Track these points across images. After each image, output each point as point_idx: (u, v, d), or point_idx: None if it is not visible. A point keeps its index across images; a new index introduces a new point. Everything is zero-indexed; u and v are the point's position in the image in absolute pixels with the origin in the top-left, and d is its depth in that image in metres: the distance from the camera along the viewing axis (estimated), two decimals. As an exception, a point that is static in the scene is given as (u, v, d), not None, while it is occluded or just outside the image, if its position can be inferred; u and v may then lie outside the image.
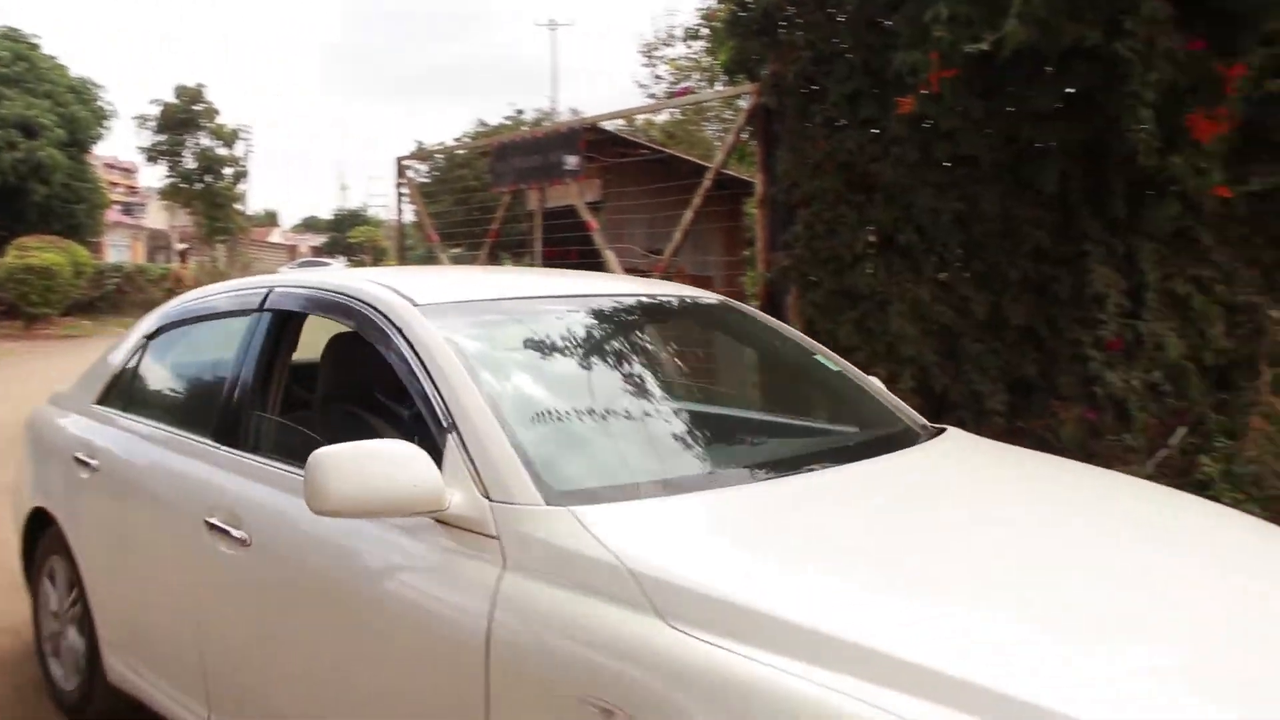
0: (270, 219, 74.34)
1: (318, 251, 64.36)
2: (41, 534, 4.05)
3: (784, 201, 6.09)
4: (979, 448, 3.05)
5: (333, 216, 75.79)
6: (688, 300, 3.48)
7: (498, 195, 9.75)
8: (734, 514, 2.25)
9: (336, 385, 3.28)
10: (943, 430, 3.04)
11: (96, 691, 3.69)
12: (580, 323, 3.03)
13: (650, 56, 21.33)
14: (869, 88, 5.58)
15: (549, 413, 2.53)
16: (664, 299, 3.44)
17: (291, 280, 3.22)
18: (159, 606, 3.25)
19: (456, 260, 10.77)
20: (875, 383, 3.33)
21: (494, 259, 10.29)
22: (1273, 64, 4.79)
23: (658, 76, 21.10)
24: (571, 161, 8.42)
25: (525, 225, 10.15)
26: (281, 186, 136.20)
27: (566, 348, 2.90)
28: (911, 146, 5.35)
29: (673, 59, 20.60)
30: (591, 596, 1.90)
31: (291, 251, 64.39)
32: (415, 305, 2.67)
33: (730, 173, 8.42)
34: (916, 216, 5.36)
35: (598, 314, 3.10)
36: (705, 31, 15.14)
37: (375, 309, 2.71)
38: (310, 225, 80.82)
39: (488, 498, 2.16)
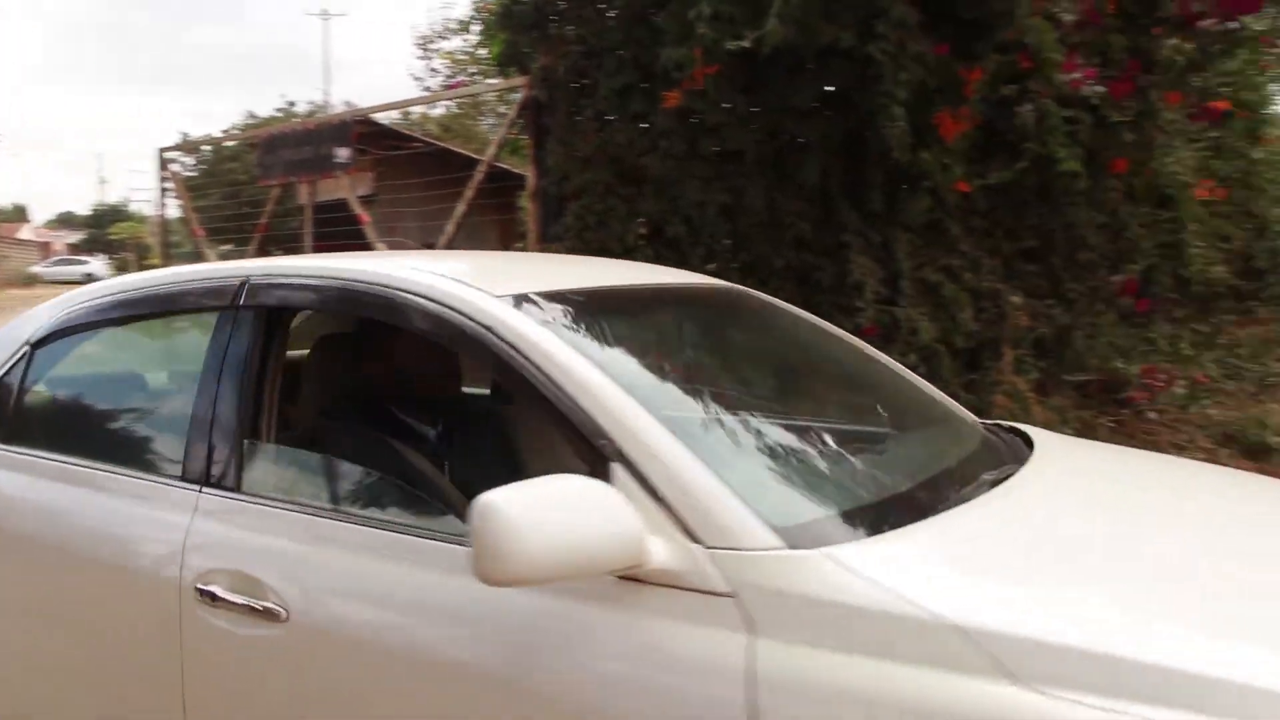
0: (19, 214, 69.47)
1: (74, 250, 60.53)
2: None
3: (555, 194, 6.12)
4: (1083, 447, 2.82)
5: (91, 212, 71.48)
6: (733, 293, 2.90)
7: (267, 189, 9.41)
8: (986, 542, 1.79)
9: (336, 400, 2.70)
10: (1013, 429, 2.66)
11: None
12: (675, 319, 2.60)
13: (426, 49, 21.02)
14: (638, 82, 5.67)
15: (710, 428, 2.04)
16: (705, 290, 2.90)
17: (277, 270, 2.53)
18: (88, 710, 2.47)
19: (224, 258, 10.35)
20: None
21: (265, 254, 9.94)
22: (1006, 70, 5.16)
23: (433, 69, 20.82)
24: (342, 154, 8.21)
25: (296, 220, 9.85)
26: (33, 180, 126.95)
27: (679, 348, 2.50)
28: (679, 140, 5.47)
29: (449, 52, 20.36)
30: (894, 662, 1.45)
31: (44, 249, 60.28)
32: (496, 298, 2.07)
33: (504, 166, 8.39)
34: (684, 209, 5.48)
35: (687, 309, 2.68)
36: (478, 24, 15.06)
37: (446, 304, 2.08)
38: (66, 221, 75.95)
39: (698, 543, 1.63)
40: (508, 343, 1.96)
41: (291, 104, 29.96)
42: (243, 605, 2.07)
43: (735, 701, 1.51)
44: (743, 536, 1.62)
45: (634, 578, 1.64)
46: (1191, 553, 1.84)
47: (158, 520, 2.32)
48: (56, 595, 2.54)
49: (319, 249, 8.86)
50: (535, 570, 1.57)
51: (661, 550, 1.63)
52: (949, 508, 1.86)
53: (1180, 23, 5.67)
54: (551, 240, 6.18)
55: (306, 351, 2.84)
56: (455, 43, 20.01)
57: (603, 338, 2.13)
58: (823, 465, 2.06)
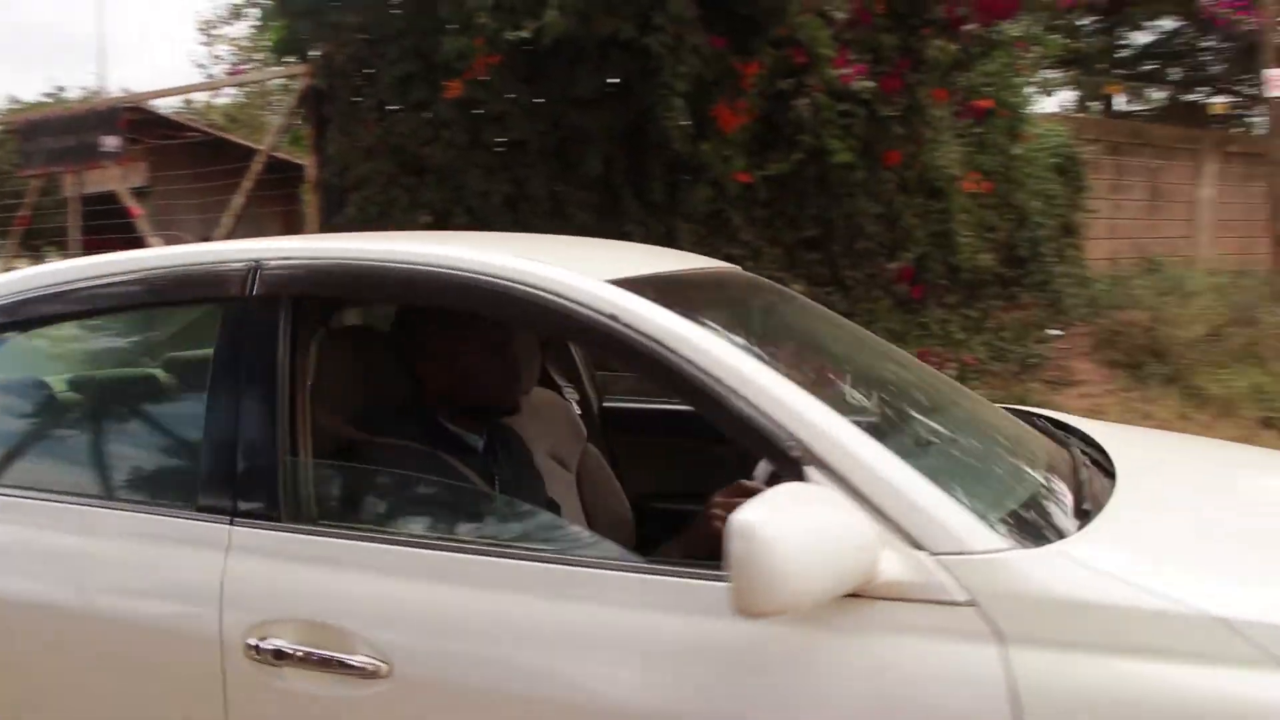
0: None
1: None
2: None
3: (337, 185, 5.96)
4: (1128, 432, 2.78)
5: None
6: (754, 280, 2.68)
7: (27, 179, 8.83)
8: (1169, 535, 1.74)
9: (380, 407, 2.36)
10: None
11: None
12: (747, 308, 2.34)
13: (210, 34, 20.17)
14: (421, 72, 5.58)
15: (875, 422, 1.84)
16: (734, 276, 2.66)
17: (298, 253, 2.09)
18: None
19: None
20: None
21: (32, 251, 9.33)
22: (783, 64, 5.32)
23: (217, 56, 19.99)
24: (110, 143, 7.76)
25: (63, 214, 9.29)
26: None
27: (780, 340, 2.26)
28: (462, 130, 5.42)
29: (234, 38, 19.60)
30: (1162, 660, 1.38)
31: None
32: (612, 284, 1.83)
33: (284, 156, 8.12)
34: (467, 198, 5.43)
35: (746, 297, 2.43)
36: (255, 10, 14.55)
37: (551, 291, 1.81)
38: None
39: (922, 550, 1.49)
40: (647, 335, 1.72)
41: (61, 89, 28.24)
42: (324, 661, 1.69)
43: (1002, 713, 1.39)
44: (969, 540, 1.49)
45: (859, 594, 1.47)
46: None
47: (173, 564, 1.87)
48: (41, 679, 2.01)
49: (88, 244, 8.38)
50: (799, 597, 1.40)
51: (892, 561, 1.47)
52: (1104, 502, 1.77)
53: (945, 25, 5.96)
54: (335, 232, 6.02)
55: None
56: (241, 28, 19.30)
57: (725, 329, 1.87)
58: (981, 463, 1.95)
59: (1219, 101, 18.76)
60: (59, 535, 2.01)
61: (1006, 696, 1.38)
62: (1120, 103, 19.88)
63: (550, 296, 1.79)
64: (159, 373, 2.51)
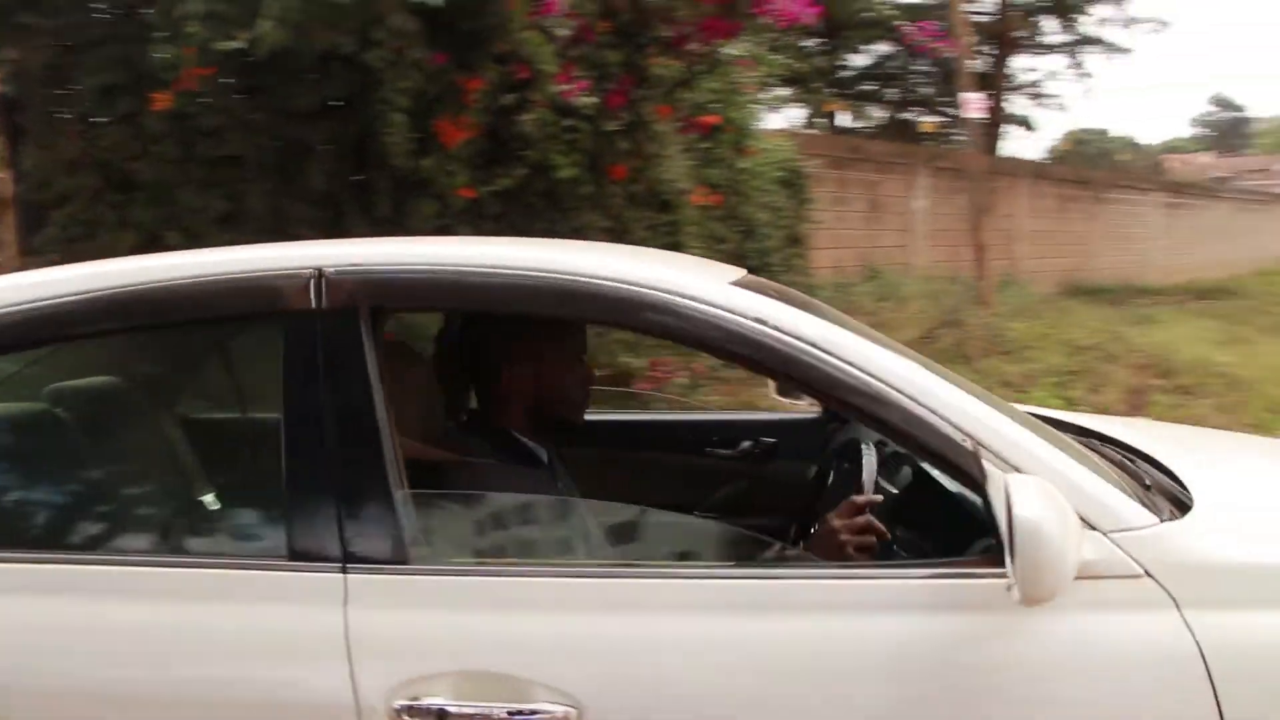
0: None
1: None
2: None
3: (35, 202, 5.58)
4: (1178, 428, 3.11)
5: None
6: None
7: None
8: (1255, 509, 1.95)
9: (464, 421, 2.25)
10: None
11: None
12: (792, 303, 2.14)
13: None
14: (127, 82, 5.29)
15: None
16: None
17: (376, 260, 1.82)
18: None
19: None
20: None
21: None
22: (506, 80, 5.35)
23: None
24: None
25: None
26: None
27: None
28: (173, 144, 5.18)
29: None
30: None
31: None
32: (733, 288, 1.77)
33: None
34: (181, 216, 5.19)
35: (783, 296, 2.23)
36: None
37: (692, 297, 1.70)
38: None
39: (1096, 530, 1.58)
40: (799, 338, 1.67)
41: None
42: (500, 715, 1.53)
43: (1198, 674, 1.50)
44: (1133, 518, 1.61)
45: None
46: None
47: (272, 625, 1.61)
48: None
49: None
50: (1066, 582, 1.45)
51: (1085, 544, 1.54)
52: (1184, 486, 1.91)
53: (669, 43, 6.14)
54: (36, 253, 5.62)
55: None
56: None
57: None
58: (1078, 446, 1.96)
59: (929, 120, 20.17)
60: (109, 604, 1.63)
61: (1198, 656, 1.51)
62: (844, 120, 21.03)
63: (689, 303, 1.70)
64: (180, 410, 2.22)
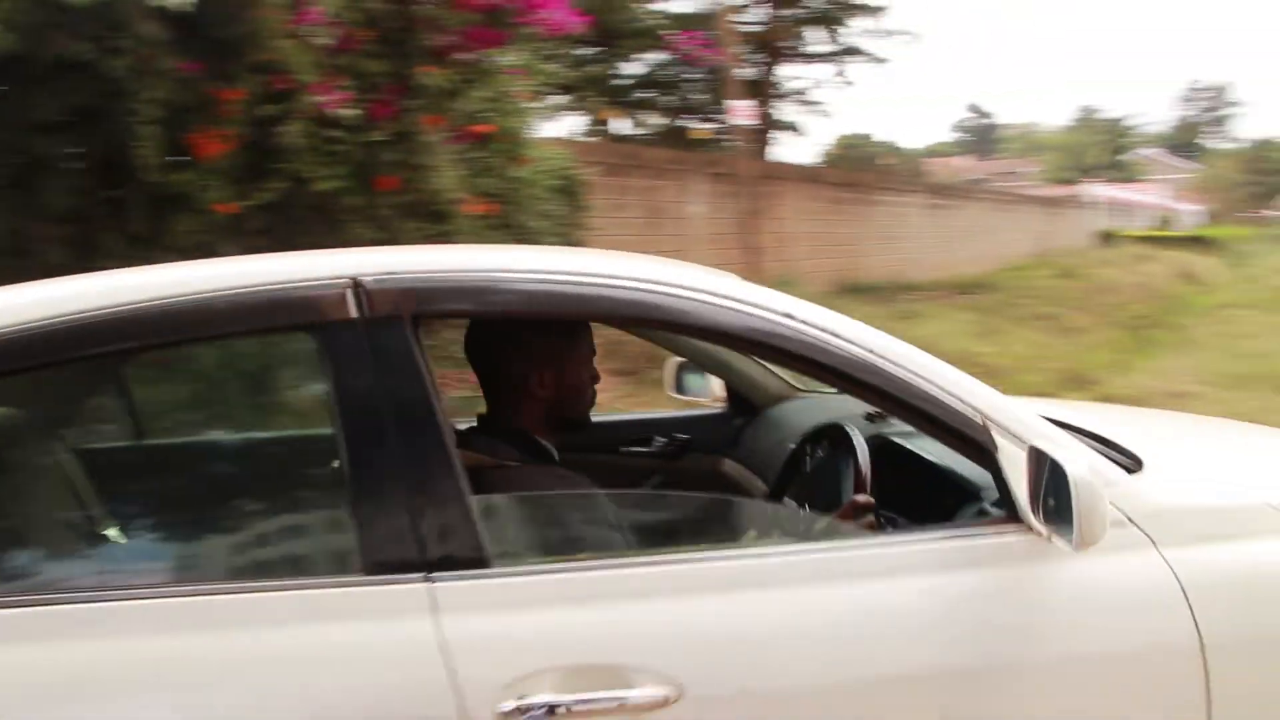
0: None
1: None
2: None
3: None
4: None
5: None
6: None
7: None
8: (1201, 467, 2.43)
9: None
10: None
11: None
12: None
13: None
14: None
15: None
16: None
17: (420, 267, 1.84)
18: None
19: None
20: None
21: None
22: (264, 90, 5.19)
23: None
24: None
25: None
26: None
27: None
28: (-105, 161, 4.80)
29: None
30: (1259, 539, 1.96)
31: None
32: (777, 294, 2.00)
33: None
34: (-93, 239, 4.82)
35: None
36: None
37: (732, 297, 1.87)
38: None
39: None
40: (855, 341, 1.88)
41: None
42: (604, 704, 1.59)
43: (1179, 598, 1.85)
44: (1113, 476, 1.94)
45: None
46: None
47: (362, 642, 1.59)
48: None
49: None
50: (1106, 528, 1.74)
51: None
52: (1125, 452, 2.21)
53: (436, 52, 6.09)
54: None
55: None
56: None
57: None
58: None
59: (702, 128, 20.68)
60: (184, 636, 1.56)
61: (1176, 584, 1.85)
62: (622, 128, 21.32)
63: (732, 303, 1.86)
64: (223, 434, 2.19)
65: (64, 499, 2.04)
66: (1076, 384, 10.45)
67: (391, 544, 1.65)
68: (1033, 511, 1.82)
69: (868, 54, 23.47)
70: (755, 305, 1.88)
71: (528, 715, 1.57)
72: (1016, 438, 1.88)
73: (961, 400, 1.89)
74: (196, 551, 1.97)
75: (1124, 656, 1.85)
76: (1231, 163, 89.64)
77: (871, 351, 1.88)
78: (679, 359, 3.51)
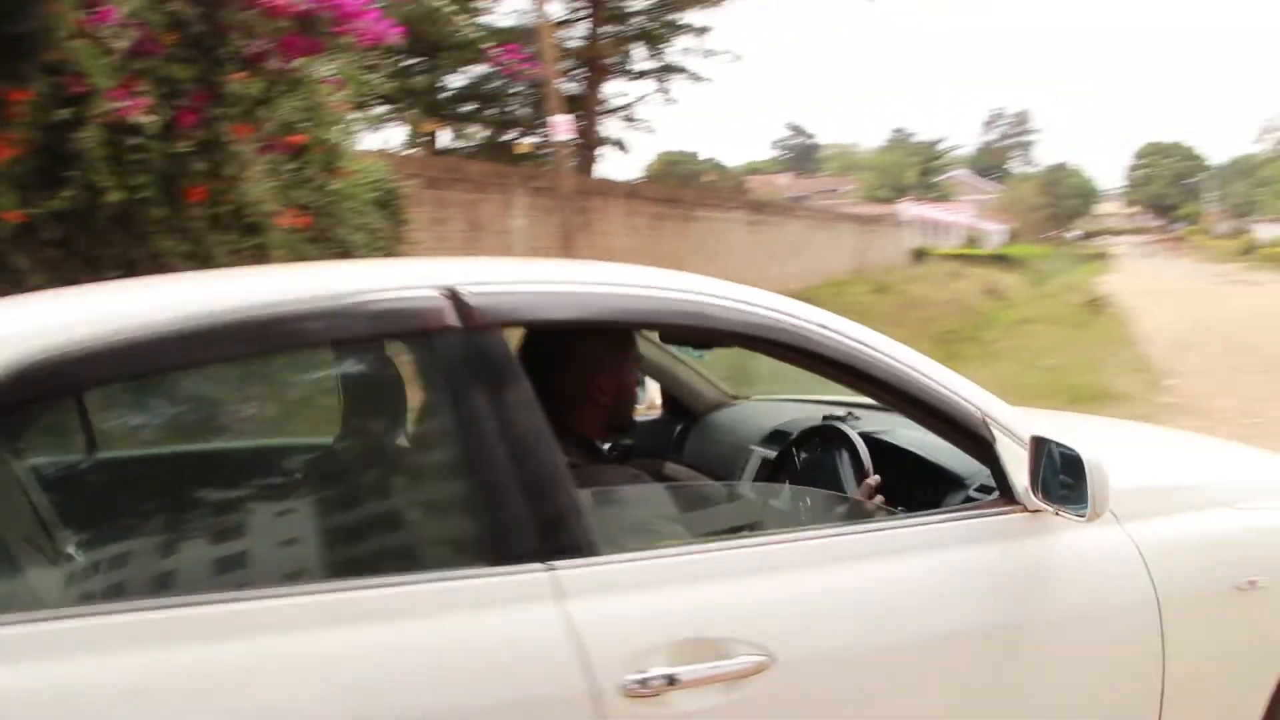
0: None
1: None
2: None
3: None
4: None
5: None
6: None
7: None
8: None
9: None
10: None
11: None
12: None
13: None
14: None
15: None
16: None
17: (512, 279, 2.04)
18: None
19: None
20: None
21: None
22: (58, 93, 4.93)
23: None
24: None
25: None
26: None
27: None
28: None
29: None
30: (1184, 513, 2.47)
31: None
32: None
33: None
34: None
35: None
36: None
37: (777, 309, 2.21)
38: None
39: None
40: (884, 350, 2.19)
41: None
42: (707, 674, 1.81)
43: (1139, 562, 2.31)
44: None
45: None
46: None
47: (488, 632, 1.71)
48: None
49: None
50: (1109, 503, 2.15)
51: None
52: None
53: (246, 60, 5.91)
54: None
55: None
56: None
57: None
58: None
59: (525, 142, 20.68)
60: (303, 635, 1.63)
61: (1137, 551, 2.31)
62: (445, 140, 21.14)
63: (782, 315, 2.16)
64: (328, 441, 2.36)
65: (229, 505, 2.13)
66: (888, 394, 10.82)
67: (513, 535, 1.79)
68: (1034, 493, 2.18)
69: (691, 72, 23.93)
70: (795, 316, 2.17)
71: (649, 687, 1.74)
72: (1008, 430, 2.25)
73: (964, 398, 2.23)
74: (338, 549, 2.06)
75: (1105, 610, 2.27)
76: (1031, 186, 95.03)
77: (898, 360, 2.19)
78: None
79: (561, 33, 19.31)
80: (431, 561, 1.95)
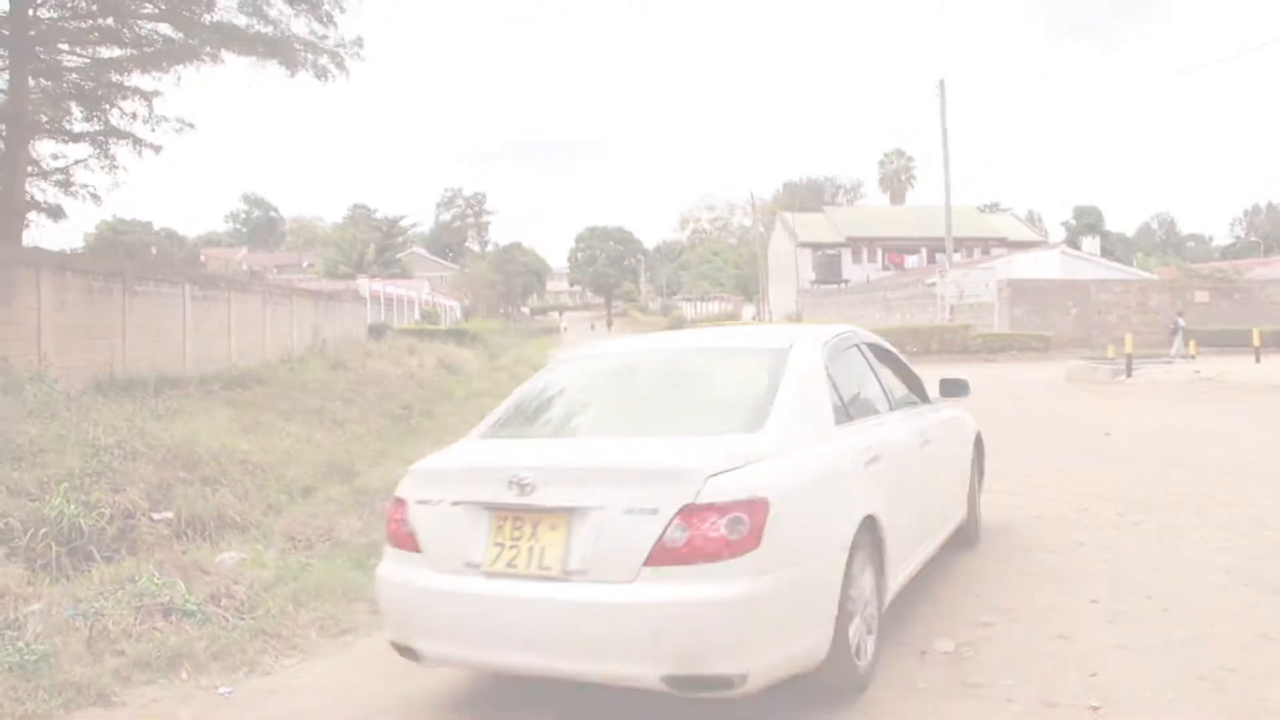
0: None
1: None
2: None
3: None
4: None
5: None
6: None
7: None
8: None
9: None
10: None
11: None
12: None
13: None
14: None
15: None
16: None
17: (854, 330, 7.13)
18: None
19: None
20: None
21: None
22: None
23: None
24: None
25: None
26: None
27: None
28: None
29: None
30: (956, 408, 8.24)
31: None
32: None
33: None
34: None
35: None
36: None
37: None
38: None
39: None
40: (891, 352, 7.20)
41: None
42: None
43: (971, 421, 8.66)
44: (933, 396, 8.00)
45: None
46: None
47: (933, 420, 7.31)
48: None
49: None
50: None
51: None
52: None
53: None
54: None
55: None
56: None
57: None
58: None
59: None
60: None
61: (966, 418, 8.49)
62: None
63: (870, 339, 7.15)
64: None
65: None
66: (340, 476, 10.85)
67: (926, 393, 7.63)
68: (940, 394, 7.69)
69: (137, 138, 22.46)
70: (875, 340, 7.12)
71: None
72: (925, 386, 7.44)
73: (920, 379, 7.28)
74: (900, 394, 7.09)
75: (959, 440, 7.79)
76: (486, 264, 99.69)
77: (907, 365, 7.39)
78: None
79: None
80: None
